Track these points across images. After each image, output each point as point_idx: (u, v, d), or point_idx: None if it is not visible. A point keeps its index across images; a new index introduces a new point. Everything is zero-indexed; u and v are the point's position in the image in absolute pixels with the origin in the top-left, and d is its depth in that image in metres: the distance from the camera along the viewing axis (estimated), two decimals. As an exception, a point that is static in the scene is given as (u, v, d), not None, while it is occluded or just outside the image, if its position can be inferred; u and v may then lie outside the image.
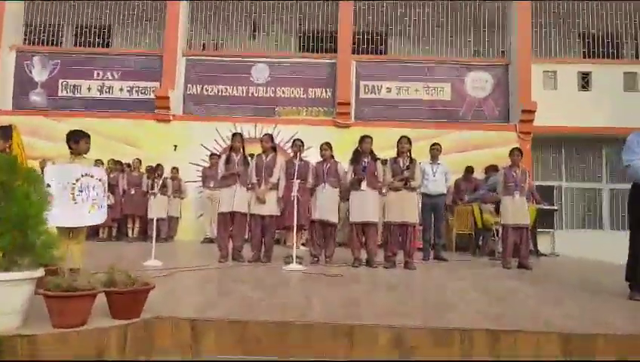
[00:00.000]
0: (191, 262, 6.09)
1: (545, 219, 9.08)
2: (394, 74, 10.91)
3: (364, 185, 5.97)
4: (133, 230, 9.56)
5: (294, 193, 5.79)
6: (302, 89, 10.89)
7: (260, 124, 10.27)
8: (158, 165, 9.18)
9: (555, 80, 10.69)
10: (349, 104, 10.53)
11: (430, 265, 6.55)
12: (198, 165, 10.08)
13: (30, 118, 10.03)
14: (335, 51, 11.00)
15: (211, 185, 9.39)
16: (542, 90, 10.48)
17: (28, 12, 11.22)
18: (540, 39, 11.16)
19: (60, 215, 4.17)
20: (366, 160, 6.11)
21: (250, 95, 10.83)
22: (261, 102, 10.78)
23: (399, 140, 6.12)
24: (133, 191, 9.47)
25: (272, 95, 10.85)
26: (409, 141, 6.10)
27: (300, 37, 11.81)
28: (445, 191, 7.62)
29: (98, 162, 9.13)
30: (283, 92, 10.86)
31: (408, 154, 6.09)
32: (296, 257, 5.65)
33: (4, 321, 2.37)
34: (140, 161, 9.77)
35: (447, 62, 11.02)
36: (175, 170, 9.67)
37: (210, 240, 9.24)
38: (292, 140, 6.45)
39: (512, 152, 6.59)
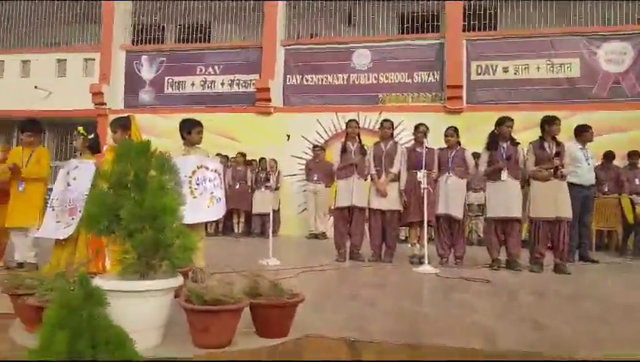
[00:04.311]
0: (306, 260, 5.61)
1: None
2: (511, 51, 9.71)
3: (504, 174, 5.09)
4: (238, 225, 9.41)
5: (424, 185, 5.06)
6: (406, 73, 10.06)
7: (364, 112, 9.64)
8: (262, 159, 8.89)
9: None
10: (460, 87, 9.53)
11: (582, 268, 5.49)
12: (300, 158, 9.68)
13: (140, 115, 10.20)
14: (439, 30, 10.03)
15: (315, 178, 8.95)
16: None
17: (134, 12, 11.56)
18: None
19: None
20: (505, 145, 5.23)
21: (351, 83, 10.22)
22: (364, 90, 10.12)
23: (546, 120, 5.16)
24: (237, 186, 9.30)
25: (375, 81, 10.14)
26: (558, 121, 5.12)
27: (400, 17, 10.98)
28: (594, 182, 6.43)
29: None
30: (386, 77, 10.11)
31: (554, 137, 5.12)
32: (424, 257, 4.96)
33: (140, 340, 1.92)
34: (243, 155, 9.60)
35: (575, 34, 9.58)
36: (273, 161, 9.33)
37: (315, 236, 8.83)
38: (415, 126, 5.72)
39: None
